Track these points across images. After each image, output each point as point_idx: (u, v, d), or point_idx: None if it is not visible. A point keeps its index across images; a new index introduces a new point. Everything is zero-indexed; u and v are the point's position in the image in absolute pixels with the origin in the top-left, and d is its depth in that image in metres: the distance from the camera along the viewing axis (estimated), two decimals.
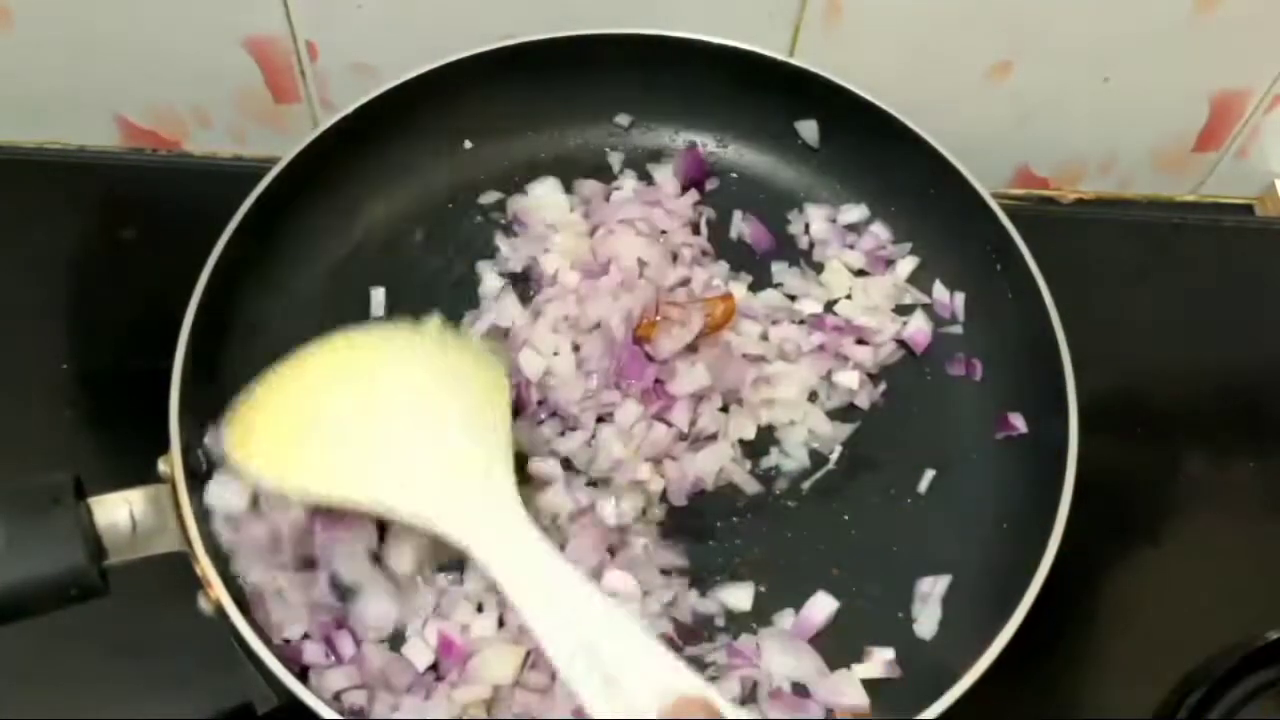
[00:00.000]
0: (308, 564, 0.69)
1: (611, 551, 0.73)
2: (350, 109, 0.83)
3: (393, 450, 0.66)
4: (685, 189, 0.90)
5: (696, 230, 0.88)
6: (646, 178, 0.91)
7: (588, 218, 0.87)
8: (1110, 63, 0.95)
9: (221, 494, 0.67)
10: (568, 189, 0.90)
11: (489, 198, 0.89)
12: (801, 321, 0.84)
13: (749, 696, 0.71)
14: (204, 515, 0.67)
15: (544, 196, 0.89)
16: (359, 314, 0.83)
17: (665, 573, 0.74)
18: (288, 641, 0.68)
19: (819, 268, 0.87)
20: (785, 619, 0.74)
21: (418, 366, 0.71)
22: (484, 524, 0.63)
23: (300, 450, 0.66)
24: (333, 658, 0.69)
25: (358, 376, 0.69)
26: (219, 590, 0.65)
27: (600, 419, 0.78)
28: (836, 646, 0.72)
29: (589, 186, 0.90)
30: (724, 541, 0.76)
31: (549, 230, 0.86)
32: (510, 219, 0.88)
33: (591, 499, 0.74)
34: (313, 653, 0.68)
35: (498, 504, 0.64)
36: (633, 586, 0.71)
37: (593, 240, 0.86)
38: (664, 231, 0.87)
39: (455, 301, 0.84)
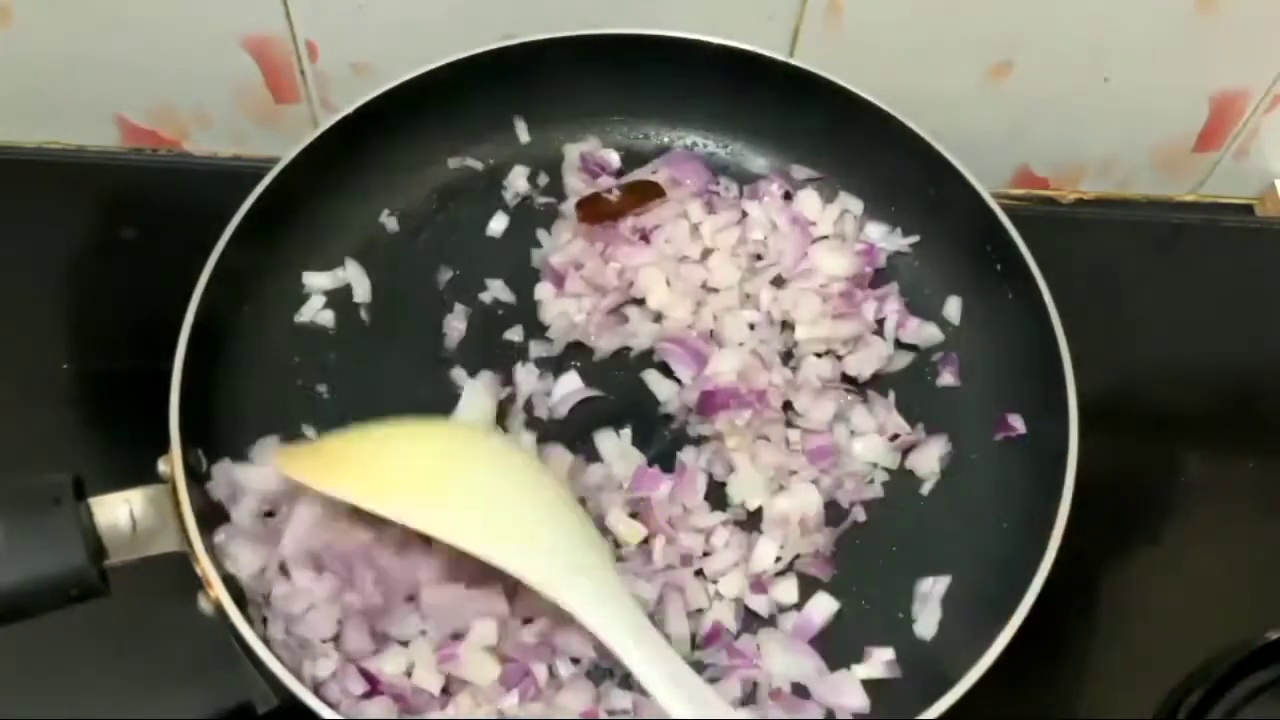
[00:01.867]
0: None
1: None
2: (350, 109, 0.83)
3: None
4: None
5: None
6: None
7: None
8: (1110, 63, 0.94)
9: (238, 555, 0.67)
10: None
11: None
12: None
13: (749, 697, 0.71)
14: (204, 519, 0.67)
15: None
16: (359, 314, 0.83)
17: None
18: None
19: None
20: (785, 619, 0.74)
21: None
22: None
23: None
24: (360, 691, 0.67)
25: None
26: (219, 590, 0.65)
27: None
28: (836, 646, 0.72)
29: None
30: None
31: None
32: None
33: None
34: (336, 691, 0.67)
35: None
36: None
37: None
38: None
39: (455, 300, 0.84)
